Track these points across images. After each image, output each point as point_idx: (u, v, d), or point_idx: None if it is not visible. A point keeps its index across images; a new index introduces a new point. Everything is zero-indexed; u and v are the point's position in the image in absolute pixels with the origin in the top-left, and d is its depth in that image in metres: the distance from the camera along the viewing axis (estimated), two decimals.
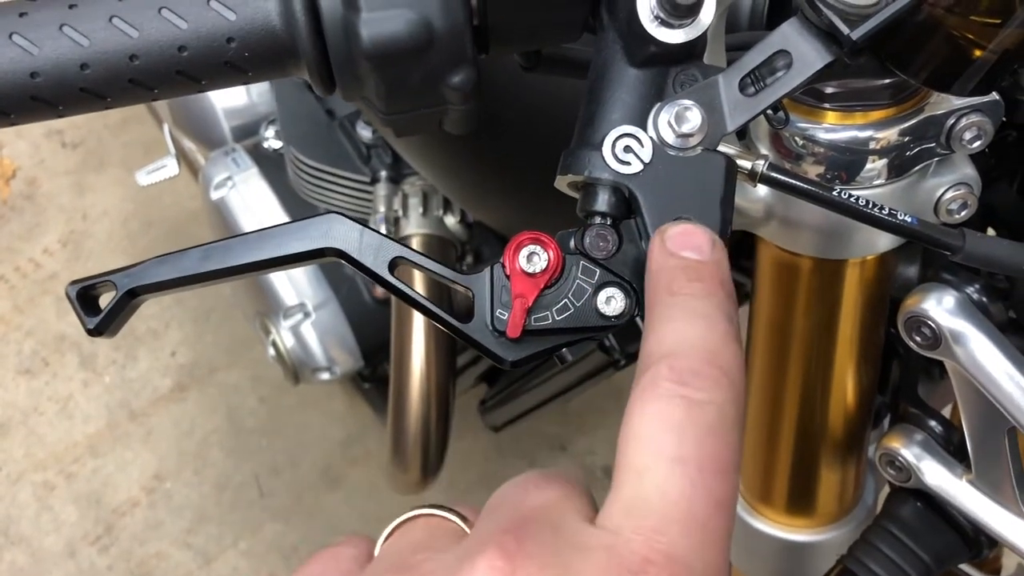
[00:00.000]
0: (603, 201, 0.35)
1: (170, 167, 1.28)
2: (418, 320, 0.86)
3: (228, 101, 1.13)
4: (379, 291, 1.02)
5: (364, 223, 0.35)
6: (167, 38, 0.33)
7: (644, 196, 0.34)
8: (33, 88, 0.33)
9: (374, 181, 0.87)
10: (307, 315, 1.02)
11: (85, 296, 0.34)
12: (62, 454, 1.52)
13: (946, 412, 0.56)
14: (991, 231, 0.57)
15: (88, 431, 1.53)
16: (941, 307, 0.43)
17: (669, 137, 0.34)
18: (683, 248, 0.33)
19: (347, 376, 1.08)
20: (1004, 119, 0.46)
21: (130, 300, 0.34)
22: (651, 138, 0.34)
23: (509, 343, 0.34)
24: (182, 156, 1.29)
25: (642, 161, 0.34)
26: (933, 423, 0.49)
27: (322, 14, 0.33)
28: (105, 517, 1.46)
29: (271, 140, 1.07)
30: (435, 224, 0.85)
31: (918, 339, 0.44)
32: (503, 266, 0.34)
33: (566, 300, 0.34)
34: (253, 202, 1.05)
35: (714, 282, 0.32)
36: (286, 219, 1.06)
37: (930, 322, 0.43)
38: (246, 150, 1.08)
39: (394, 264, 0.35)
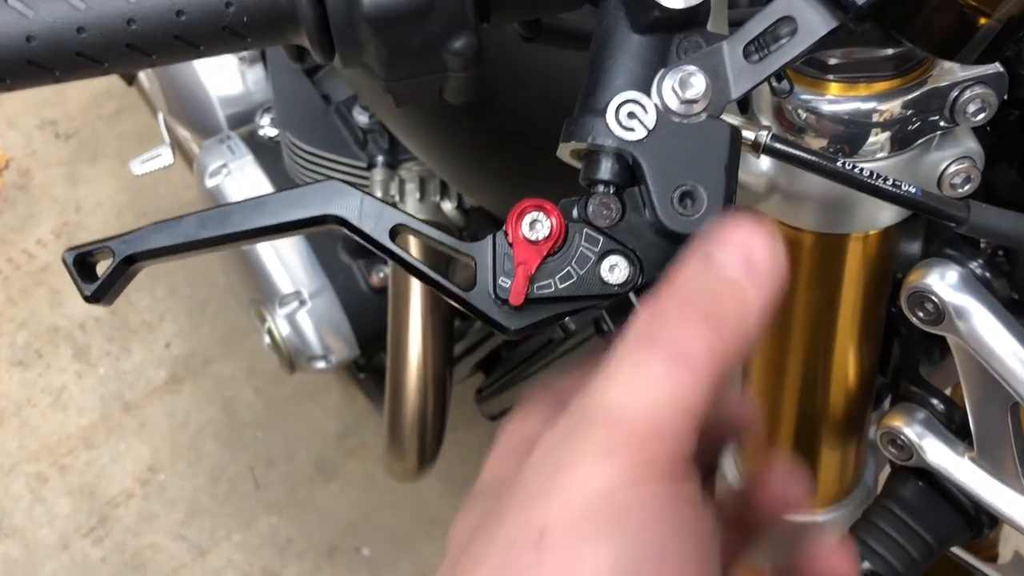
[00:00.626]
0: (606, 169, 0.34)
1: (165, 156, 1.27)
2: (415, 307, 0.85)
3: (223, 89, 1.13)
4: (376, 279, 1.02)
5: (366, 191, 0.35)
6: (165, 2, 0.33)
7: (648, 163, 0.34)
8: (29, 52, 0.33)
9: (370, 166, 0.86)
10: (303, 303, 1.01)
11: (82, 263, 0.34)
12: (55, 446, 1.51)
13: (953, 394, 0.56)
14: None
15: (82, 423, 1.52)
16: (944, 282, 0.43)
17: (673, 103, 0.34)
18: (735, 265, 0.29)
19: (343, 365, 1.08)
20: (1014, 95, 0.46)
21: (127, 267, 0.34)
22: (655, 104, 0.34)
23: (512, 311, 0.34)
24: (177, 145, 1.29)
25: (646, 127, 0.34)
26: (935, 401, 0.49)
27: None
28: (99, 509, 1.45)
29: (266, 128, 1.07)
30: (432, 210, 0.85)
31: (921, 314, 0.44)
32: (506, 234, 0.34)
33: (569, 268, 0.34)
34: (249, 190, 1.05)
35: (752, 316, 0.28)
36: None
37: (933, 297, 0.43)
38: (241, 138, 1.07)
39: (395, 232, 0.34)
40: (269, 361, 1.14)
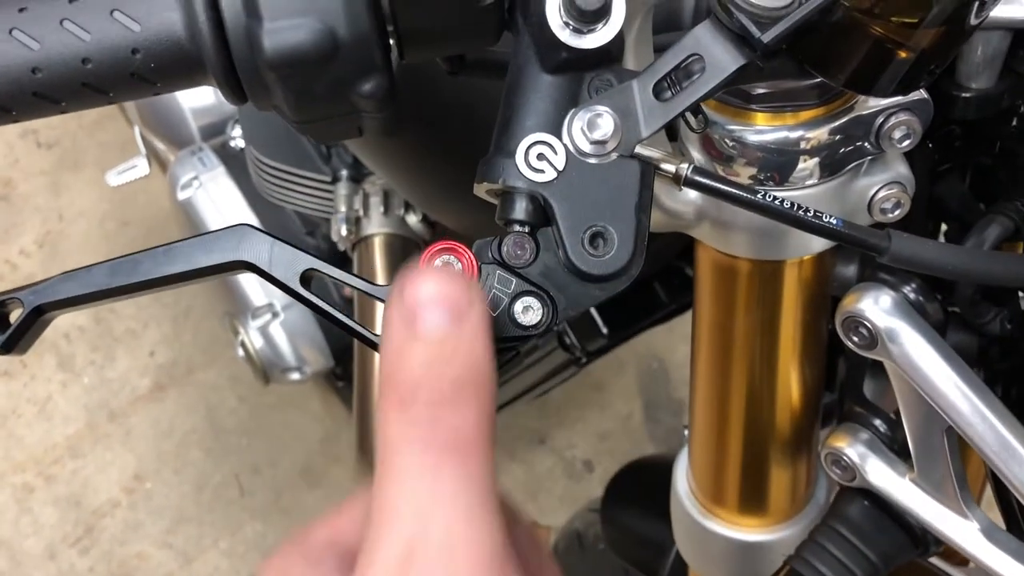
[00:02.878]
0: (520, 209, 0.34)
1: (140, 167, 1.27)
2: (381, 318, 0.85)
3: (195, 100, 1.13)
4: (347, 290, 1.02)
5: (277, 236, 0.35)
6: (70, 51, 0.33)
7: (558, 204, 0.34)
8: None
9: (335, 180, 0.86)
10: (275, 315, 1.01)
11: None
12: (41, 456, 1.51)
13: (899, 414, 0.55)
14: (943, 227, 0.57)
15: (67, 432, 1.53)
16: (877, 307, 0.43)
17: (583, 144, 0.34)
18: (425, 315, 0.26)
19: (319, 375, 1.08)
20: (948, 117, 0.46)
21: (38, 317, 0.34)
22: (565, 145, 0.34)
23: None
24: (153, 156, 1.29)
25: (556, 169, 0.34)
26: (878, 422, 0.49)
27: (226, 24, 0.33)
28: (85, 519, 1.46)
29: (238, 139, 1.07)
30: (397, 223, 0.85)
31: (856, 339, 0.44)
32: None
33: None
34: (220, 201, 1.05)
35: (468, 388, 0.25)
36: (254, 218, 1.05)
37: (866, 322, 0.43)
38: (213, 149, 1.07)
39: (306, 276, 0.34)
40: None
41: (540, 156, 0.34)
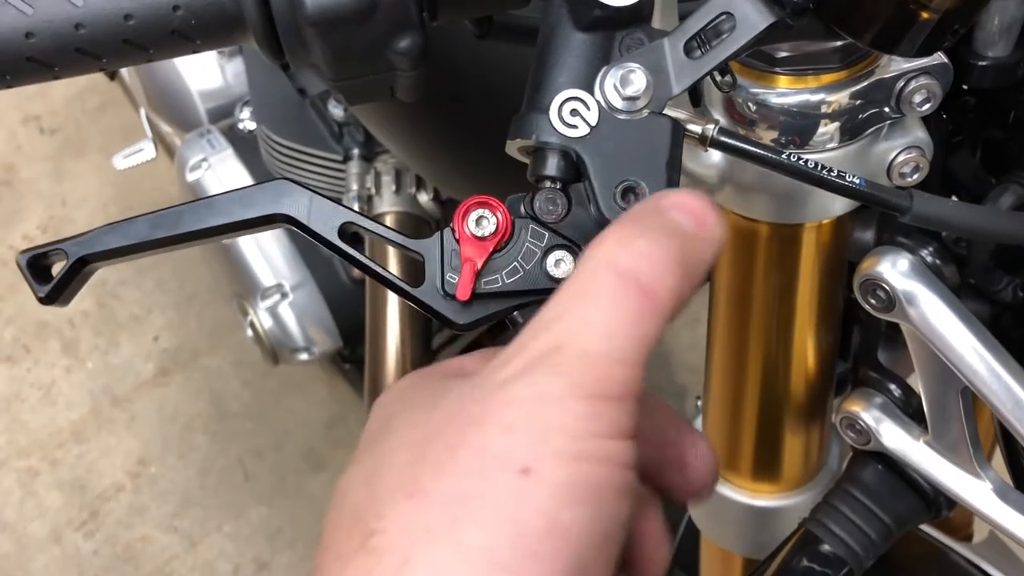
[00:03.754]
0: (552, 165, 0.35)
1: (147, 151, 1.28)
2: (392, 300, 0.86)
3: (203, 83, 1.13)
4: (357, 272, 1.02)
5: (315, 190, 0.35)
6: (112, 6, 0.33)
7: (591, 159, 0.34)
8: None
9: (346, 159, 0.87)
10: (284, 295, 1.02)
11: (36, 265, 0.34)
12: (46, 440, 1.51)
13: (914, 381, 0.56)
14: (955, 199, 0.58)
15: (72, 417, 1.53)
16: (895, 270, 0.44)
17: (615, 100, 0.34)
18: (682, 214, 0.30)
19: (327, 356, 1.09)
20: (964, 86, 0.47)
21: (81, 268, 0.34)
22: (598, 102, 0.35)
23: (460, 306, 0.35)
24: (159, 139, 1.29)
25: (588, 124, 0.34)
26: (892, 387, 0.49)
27: None
28: (90, 502, 1.46)
29: (246, 121, 1.07)
30: (408, 202, 0.85)
31: (873, 302, 0.45)
32: (453, 230, 0.34)
33: (516, 263, 0.35)
34: (229, 183, 1.05)
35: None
36: None
37: (884, 285, 0.44)
38: (221, 131, 1.08)
39: (344, 230, 0.35)
40: (257, 354, 1.15)
41: (573, 112, 0.34)
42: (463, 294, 0.34)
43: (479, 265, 0.34)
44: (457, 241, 0.34)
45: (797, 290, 0.48)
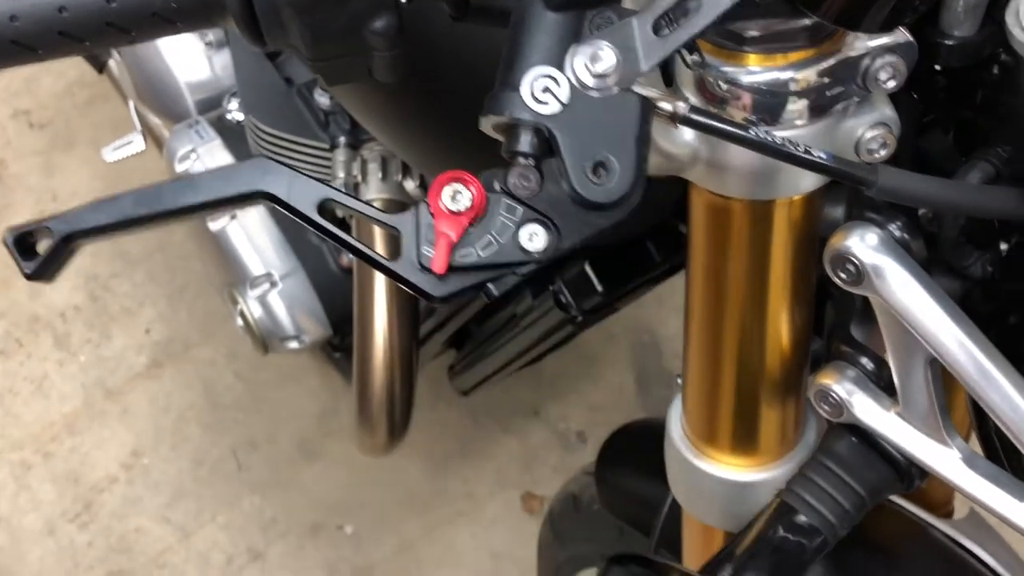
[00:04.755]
0: (525, 142, 0.36)
1: (136, 143, 1.28)
2: (380, 285, 0.87)
3: (191, 75, 1.14)
4: (345, 260, 1.03)
5: (296, 168, 0.36)
6: None
7: (563, 136, 0.36)
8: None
9: (333, 147, 0.88)
10: (274, 284, 1.03)
11: (23, 243, 0.35)
12: (39, 433, 1.52)
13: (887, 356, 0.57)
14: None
15: (64, 410, 1.54)
16: (863, 244, 0.45)
17: (585, 77, 0.35)
18: None
19: (317, 345, 1.09)
20: (937, 67, 0.48)
21: (67, 245, 0.35)
22: (568, 79, 0.36)
23: (436, 279, 0.36)
24: (149, 132, 1.30)
25: (560, 102, 0.36)
26: (864, 360, 0.51)
27: None
28: (83, 494, 1.47)
29: (234, 112, 1.08)
30: (395, 188, 0.86)
31: (843, 276, 0.46)
32: (428, 205, 0.35)
33: (490, 237, 0.36)
34: None
35: None
36: None
37: (853, 258, 0.45)
38: (210, 122, 1.08)
39: (324, 207, 0.36)
40: (249, 345, 1.16)
41: (545, 89, 0.35)
42: (439, 267, 0.35)
43: (454, 239, 0.35)
44: (432, 215, 0.35)
45: (771, 266, 0.49)
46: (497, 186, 0.36)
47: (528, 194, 0.36)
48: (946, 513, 0.85)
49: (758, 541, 0.52)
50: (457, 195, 0.35)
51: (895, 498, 0.79)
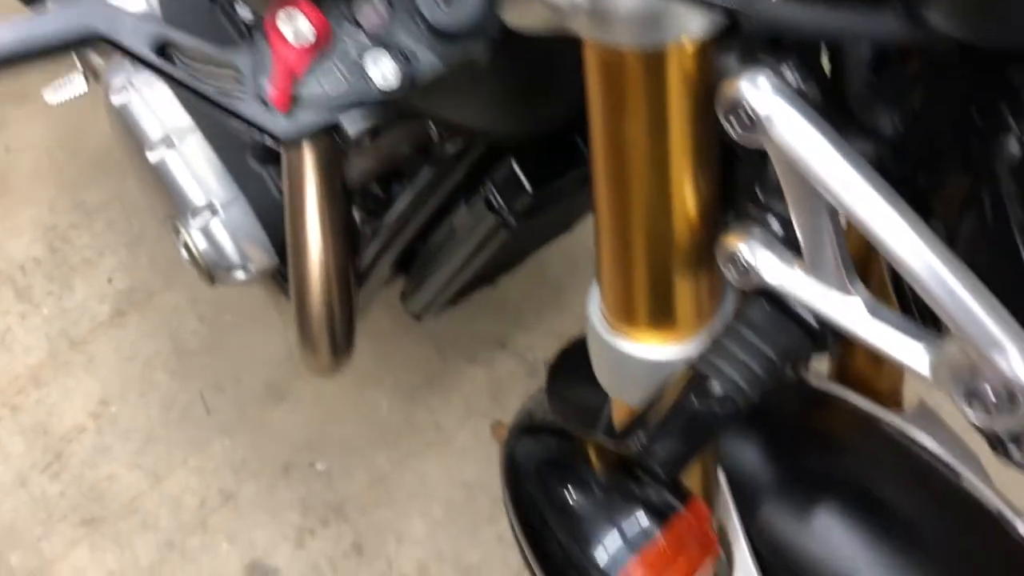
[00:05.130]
0: None
1: (77, 83, 1.26)
2: (312, 202, 0.85)
3: (127, 6, 1.11)
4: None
5: (129, 12, 0.34)
6: None
7: None
8: None
9: None
10: (215, 213, 1.01)
11: None
12: (4, 387, 1.51)
13: None
14: None
15: (29, 362, 1.53)
16: (755, 88, 0.44)
17: None
18: None
19: (266, 275, 1.08)
20: None
21: None
22: None
23: (283, 119, 0.34)
24: (91, 72, 1.27)
25: None
26: (769, 217, 0.49)
27: None
28: (53, 445, 1.47)
29: None
30: None
31: (736, 124, 0.44)
32: (266, 36, 0.34)
33: (336, 70, 0.34)
34: (155, 103, 1.04)
35: None
36: (190, 120, 1.05)
37: (744, 103, 0.44)
38: None
39: (161, 46, 0.34)
40: (212, 290, 1.14)
41: None
42: (281, 102, 0.34)
43: (298, 72, 0.34)
44: (271, 48, 0.34)
45: (669, 124, 0.48)
46: (344, 18, 0.34)
47: (377, 25, 0.34)
48: (895, 404, 0.85)
49: (670, 408, 0.51)
50: (295, 24, 0.34)
51: (844, 390, 0.78)
